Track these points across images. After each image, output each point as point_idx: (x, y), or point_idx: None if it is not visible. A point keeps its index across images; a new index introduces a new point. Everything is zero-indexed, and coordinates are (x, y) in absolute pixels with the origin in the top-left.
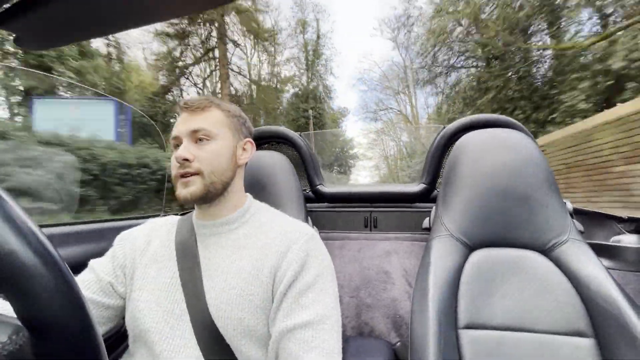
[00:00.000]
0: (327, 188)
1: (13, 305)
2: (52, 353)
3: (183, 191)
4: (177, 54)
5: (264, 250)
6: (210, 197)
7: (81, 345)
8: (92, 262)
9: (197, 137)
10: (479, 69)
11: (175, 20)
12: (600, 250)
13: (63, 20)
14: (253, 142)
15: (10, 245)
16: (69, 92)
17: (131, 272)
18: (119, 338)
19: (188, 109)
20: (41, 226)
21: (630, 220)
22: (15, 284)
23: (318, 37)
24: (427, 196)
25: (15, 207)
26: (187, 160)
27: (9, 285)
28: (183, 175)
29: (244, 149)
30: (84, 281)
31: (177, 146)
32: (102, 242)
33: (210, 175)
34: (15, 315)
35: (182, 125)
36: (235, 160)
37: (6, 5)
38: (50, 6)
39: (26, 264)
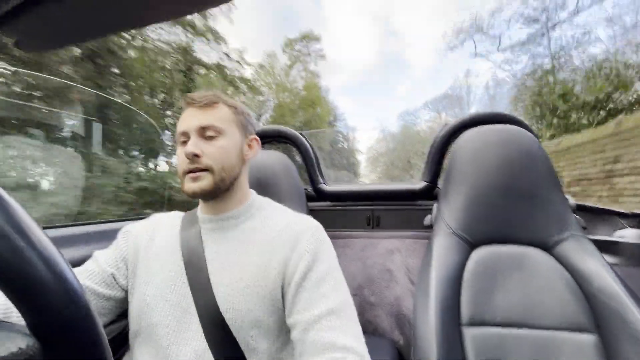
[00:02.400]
0: (328, 186)
1: (24, 316)
2: (58, 356)
3: (192, 185)
4: None
5: (272, 243)
6: (218, 192)
7: (89, 354)
8: (96, 253)
9: (206, 133)
10: None
11: None
12: (603, 246)
13: (63, 22)
14: (258, 139)
15: (21, 258)
16: None
17: (133, 266)
18: (122, 338)
19: (195, 104)
20: (47, 227)
21: (633, 215)
22: (26, 295)
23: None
24: (429, 193)
25: (27, 219)
26: (196, 156)
27: (20, 297)
28: (192, 171)
29: (249, 146)
30: (86, 271)
31: (184, 142)
32: (108, 242)
33: (220, 171)
34: (25, 325)
35: (189, 120)
36: (242, 157)
37: (6, 8)
38: (50, 8)
39: (35, 274)
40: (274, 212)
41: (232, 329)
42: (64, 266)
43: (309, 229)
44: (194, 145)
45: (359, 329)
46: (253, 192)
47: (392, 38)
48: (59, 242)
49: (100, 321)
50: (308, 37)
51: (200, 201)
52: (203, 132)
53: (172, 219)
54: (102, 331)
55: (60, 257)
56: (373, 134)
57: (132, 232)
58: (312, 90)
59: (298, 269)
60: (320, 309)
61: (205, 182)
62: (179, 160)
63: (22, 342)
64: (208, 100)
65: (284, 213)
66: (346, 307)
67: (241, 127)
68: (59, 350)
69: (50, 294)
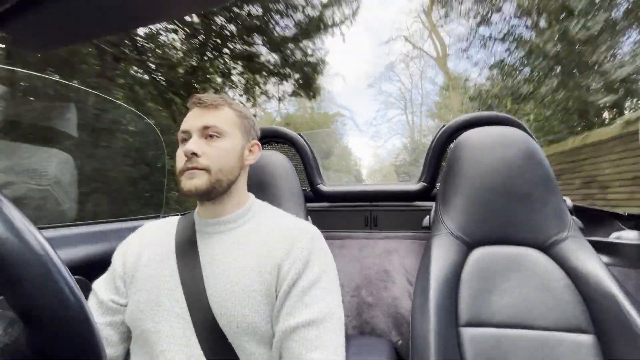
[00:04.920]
0: (326, 187)
1: (6, 297)
2: (47, 343)
3: (188, 183)
4: None
5: (267, 247)
6: (214, 193)
7: (76, 334)
8: (94, 286)
9: (208, 133)
10: None
11: None
12: (600, 247)
13: (62, 21)
14: (260, 145)
15: (6, 244)
16: None
17: (130, 277)
18: None
19: (201, 105)
20: (44, 228)
21: (630, 216)
22: (6, 275)
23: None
24: (427, 194)
25: (4, 200)
26: (195, 154)
27: (4, 280)
28: (189, 170)
29: (250, 151)
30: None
31: (184, 140)
32: (104, 243)
33: (218, 172)
34: (9, 308)
35: (192, 120)
36: (242, 160)
37: (4, 7)
38: (49, 7)
39: (16, 254)
40: (272, 217)
41: (226, 334)
42: (43, 242)
43: (304, 236)
44: (194, 143)
45: (338, 341)
46: (251, 196)
47: (384, 47)
48: (59, 242)
49: (86, 302)
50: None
51: (198, 203)
52: (204, 132)
53: (169, 224)
54: (89, 310)
55: (38, 234)
56: (371, 159)
57: (126, 247)
58: (344, 155)
59: (289, 276)
60: (300, 318)
61: (201, 181)
62: (178, 158)
63: (7, 324)
64: (214, 101)
65: (282, 217)
66: (329, 317)
67: (244, 131)
68: (44, 330)
69: (29, 272)
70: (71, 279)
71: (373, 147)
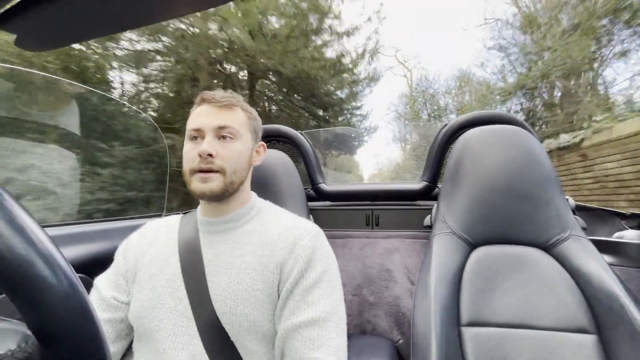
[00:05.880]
0: (328, 186)
1: (22, 314)
2: (50, 345)
3: (202, 186)
4: None
5: (269, 246)
6: (226, 195)
7: (89, 353)
8: (96, 281)
9: (222, 134)
10: None
11: None
12: (603, 247)
13: (63, 21)
14: (265, 145)
15: (19, 255)
16: None
17: (133, 276)
18: None
19: (215, 103)
20: (45, 226)
21: (633, 216)
22: (24, 293)
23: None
24: (428, 194)
25: (24, 215)
26: (210, 155)
27: (18, 294)
28: (202, 170)
29: (257, 152)
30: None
31: (194, 138)
32: (106, 241)
33: (232, 175)
34: (23, 322)
35: (206, 118)
36: (251, 162)
37: (6, 6)
38: (50, 6)
39: (35, 273)
40: (274, 215)
41: (229, 333)
42: (62, 262)
43: (306, 234)
44: (210, 144)
45: (340, 340)
46: (254, 195)
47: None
48: (62, 240)
49: (98, 317)
50: None
51: (202, 202)
52: (218, 133)
53: (171, 222)
54: (101, 327)
55: (58, 253)
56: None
57: (129, 245)
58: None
59: (291, 275)
60: (302, 317)
61: (215, 184)
62: (188, 156)
63: (20, 339)
64: (229, 101)
65: (284, 216)
66: (332, 316)
67: (253, 132)
68: (58, 347)
69: (48, 291)
70: (84, 293)
71: (374, 163)
